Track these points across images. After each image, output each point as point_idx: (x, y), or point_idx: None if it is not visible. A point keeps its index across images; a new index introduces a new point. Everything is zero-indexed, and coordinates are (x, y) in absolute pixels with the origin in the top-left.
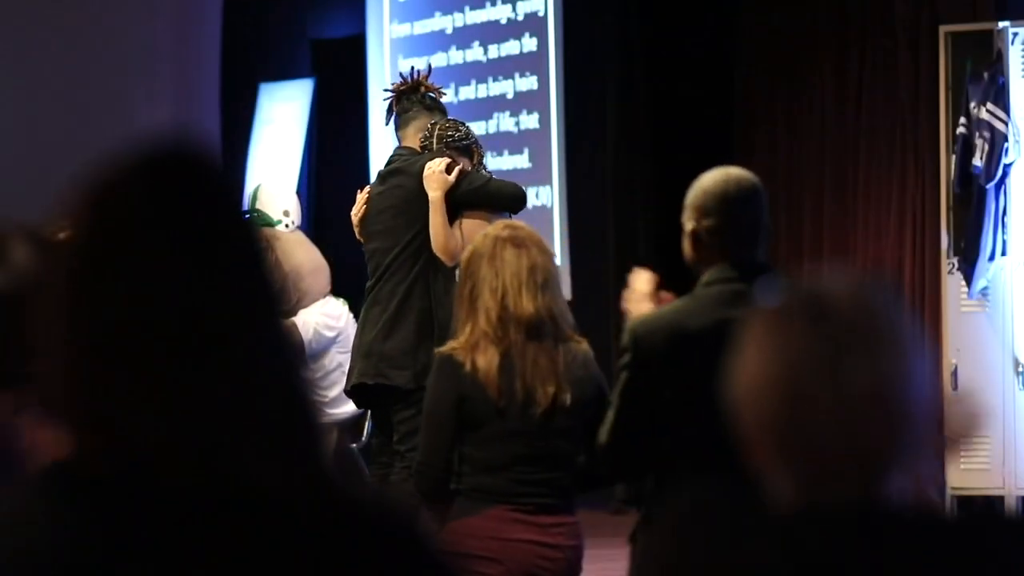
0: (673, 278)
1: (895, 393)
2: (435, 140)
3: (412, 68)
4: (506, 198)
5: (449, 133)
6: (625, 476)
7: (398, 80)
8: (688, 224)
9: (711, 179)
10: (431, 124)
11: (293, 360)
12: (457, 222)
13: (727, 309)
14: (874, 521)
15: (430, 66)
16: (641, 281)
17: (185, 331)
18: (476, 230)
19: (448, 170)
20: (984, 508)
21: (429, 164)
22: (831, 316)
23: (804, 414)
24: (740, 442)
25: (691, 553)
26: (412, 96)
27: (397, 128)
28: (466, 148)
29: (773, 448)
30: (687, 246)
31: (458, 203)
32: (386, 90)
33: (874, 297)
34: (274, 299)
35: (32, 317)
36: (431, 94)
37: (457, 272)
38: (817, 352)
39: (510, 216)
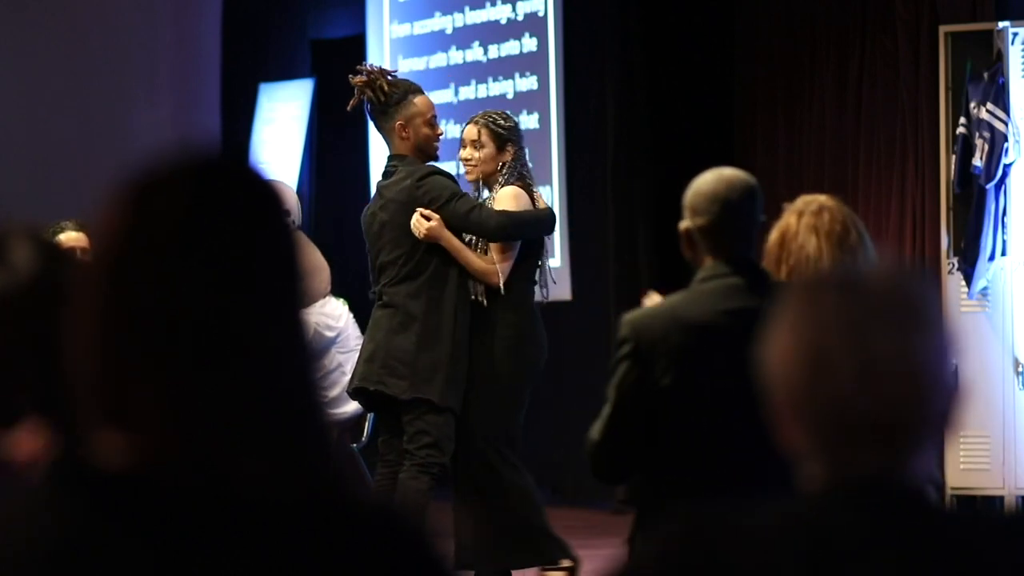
0: (673, 278)
1: (923, 367)
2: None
3: (356, 69)
4: (487, 231)
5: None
6: (614, 479)
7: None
8: (682, 223)
9: (704, 180)
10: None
11: (309, 365)
12: (482, 244)
13: (724, 301)
14: (893, 503)
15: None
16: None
17: (208, 335)
18: (502, 248)
19: (427, 218)
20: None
21: (413, 225)
22: (862, 288)
23: (828, 380)
24: (771, 421)
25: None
26: (371, 95)
27: (380, 132)
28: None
29: (798, 417)
30: (682, 245)
31: (456, 231)
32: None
33: (908, 276)
34: (298, 308)
35: (48, 314)
36: (381, 91)
37: (472, 285)
38: (844, 320)
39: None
